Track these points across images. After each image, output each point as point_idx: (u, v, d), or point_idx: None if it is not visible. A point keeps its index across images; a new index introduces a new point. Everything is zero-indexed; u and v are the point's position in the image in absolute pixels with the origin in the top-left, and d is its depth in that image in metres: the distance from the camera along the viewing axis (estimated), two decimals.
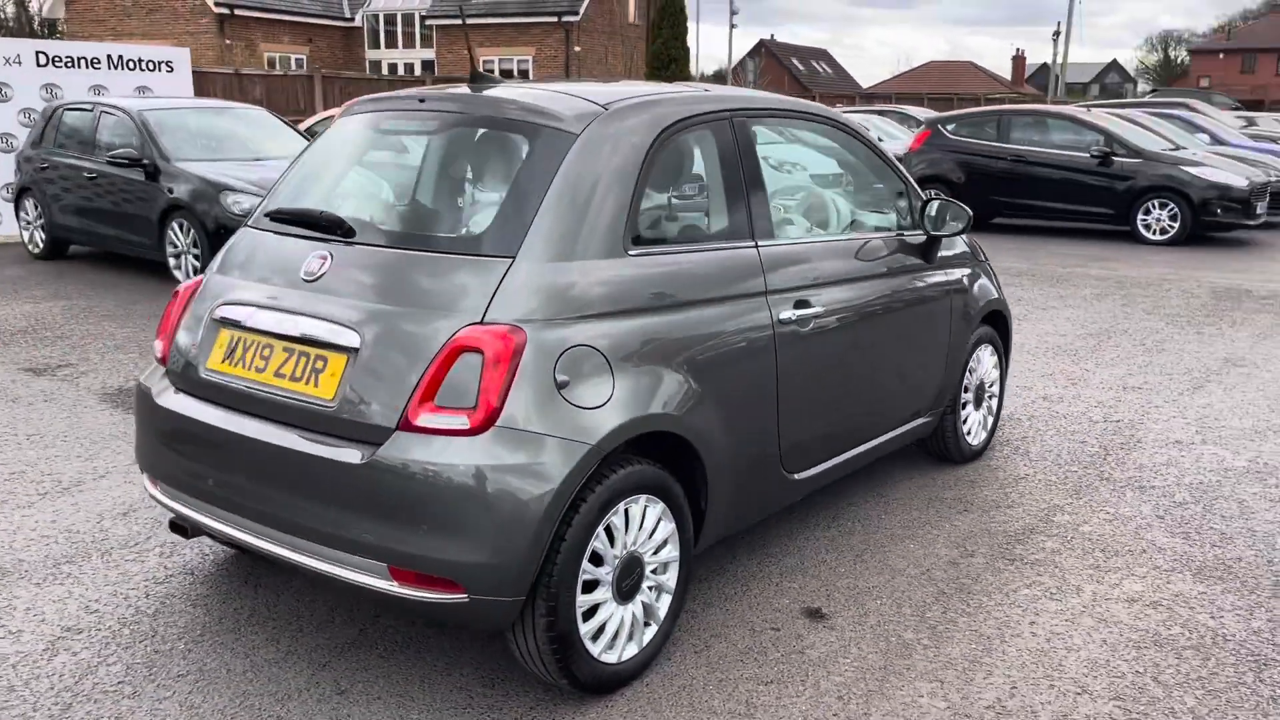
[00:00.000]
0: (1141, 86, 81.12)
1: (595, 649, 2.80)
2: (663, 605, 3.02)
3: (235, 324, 3.00)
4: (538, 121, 2.96)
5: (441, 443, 2.57)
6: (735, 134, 3.38)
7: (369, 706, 2.81)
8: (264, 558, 3.05)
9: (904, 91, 50.57)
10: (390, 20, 38.87)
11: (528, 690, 2.91)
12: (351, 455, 2.64)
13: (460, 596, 2.58)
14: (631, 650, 2.92)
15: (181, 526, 3.26)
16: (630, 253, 2.91)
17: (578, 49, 32.79)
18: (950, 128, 14.23)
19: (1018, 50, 75.48)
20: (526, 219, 2.77)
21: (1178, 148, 13.26)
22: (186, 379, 3.09)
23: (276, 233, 3.17)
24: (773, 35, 78.49)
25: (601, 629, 2.82)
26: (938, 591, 3.52)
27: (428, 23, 35.74)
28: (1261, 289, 9.58)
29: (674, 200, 3.18)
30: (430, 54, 36.35)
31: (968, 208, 4.16)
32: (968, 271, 4.54)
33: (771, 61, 67.74)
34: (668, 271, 3.02)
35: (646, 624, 2.98)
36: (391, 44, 39.00)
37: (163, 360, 3.21)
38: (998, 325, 4.86)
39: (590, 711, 2.81)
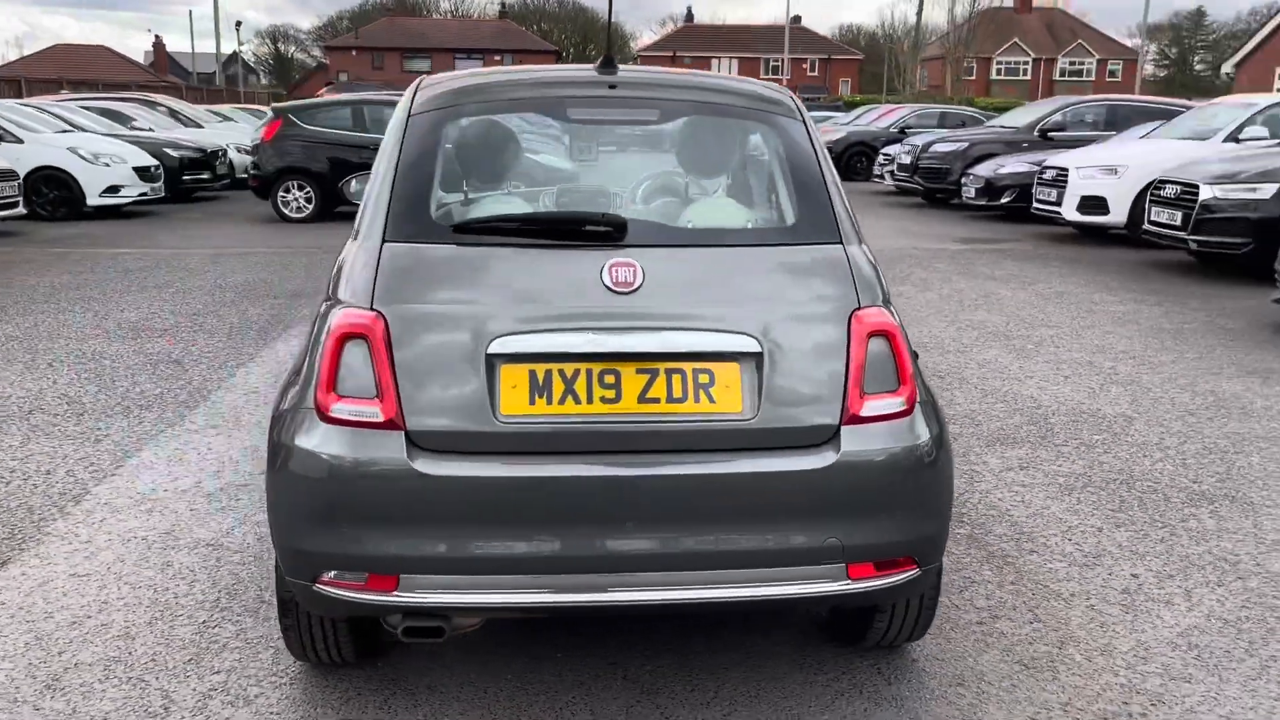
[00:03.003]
0: (265, 79, 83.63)
1: None
2: None
3: (544, 356, 2.61)
4: (769, 110, 3.13)
5: (888, 427, 2.68)
6: None
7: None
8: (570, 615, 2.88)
9: (36, 76, 45.29)
10: None
11: (852, 663, 3.20)
12: (815, 460, 2.62)
13: (913, 572, 2.74)
14: None
15: (429, 629, 2.70)
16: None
17: None
18: (303, 116, 14.23)
19: (156, 37, 73.02)
20: (826, 205, 2.91)
21: None
22: (458, 436, 2.59)
23: (481, 245, 2.75)
24: None
25: None
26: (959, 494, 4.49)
27: None
28: None
29: None
30: None
31: None
32: None
33: None
34: None
35: None
36: None
37: (392, 424, 2.58)
38: None
39: (944, 676, 3.24)
